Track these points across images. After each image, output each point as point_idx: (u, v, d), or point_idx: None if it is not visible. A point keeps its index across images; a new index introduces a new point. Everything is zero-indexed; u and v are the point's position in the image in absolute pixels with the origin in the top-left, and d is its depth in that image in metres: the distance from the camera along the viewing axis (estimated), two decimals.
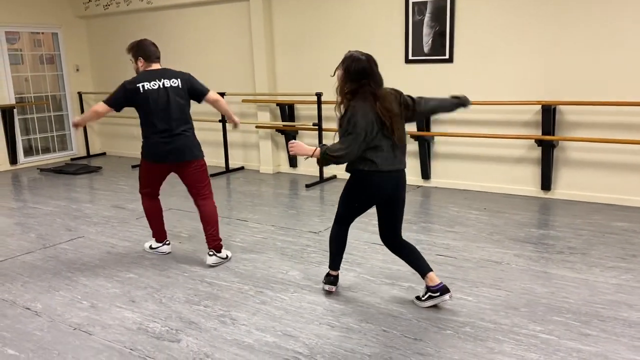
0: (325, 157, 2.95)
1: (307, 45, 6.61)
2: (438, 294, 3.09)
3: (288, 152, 3.19)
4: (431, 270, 3.16)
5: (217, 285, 3.55)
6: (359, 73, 2.99)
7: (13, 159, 7.94)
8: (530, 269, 3.64)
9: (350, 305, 3.19)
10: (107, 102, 3.84)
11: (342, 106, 3.07)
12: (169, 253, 4.16)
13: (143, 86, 3.80)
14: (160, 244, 4.18)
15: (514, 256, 3.88)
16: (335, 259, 3.37)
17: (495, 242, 4.18)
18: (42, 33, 8.42)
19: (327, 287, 3.38)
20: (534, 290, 3.32)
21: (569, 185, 5.29)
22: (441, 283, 3.12)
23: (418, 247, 4.06)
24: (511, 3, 5.27)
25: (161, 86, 3.85)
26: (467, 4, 5.49)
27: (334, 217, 4.89)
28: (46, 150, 8.60)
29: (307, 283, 3.53)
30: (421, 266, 3.18)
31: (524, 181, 5.51)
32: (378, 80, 3.05)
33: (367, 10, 6.09)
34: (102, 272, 3.81)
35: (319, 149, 2.99)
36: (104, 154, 9.05)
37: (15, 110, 7.90)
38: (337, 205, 3.37)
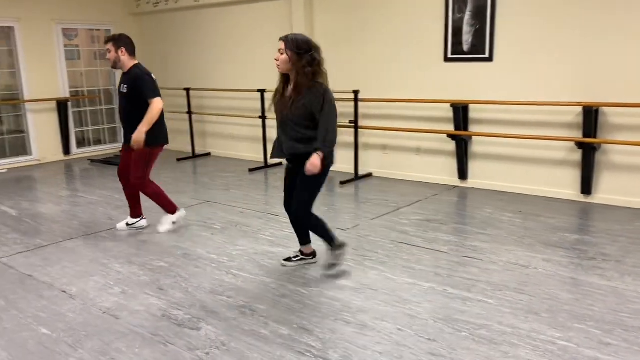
0: (329, 156, 3.29)
1: (346, 43, 6.63)
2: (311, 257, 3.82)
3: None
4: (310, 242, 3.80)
5: (242, 277, 3.65)
6: (306, 43, 3.24)
7: (66, 150, 8.37)
8: (557, 275, 3.55)
9: (369, 302, 3.22)
10: (157, 95, 4.34)
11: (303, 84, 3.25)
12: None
13: (153, 75, 4.44)
14: (173, 215, 4.65)
15: (542, 261, 3.80)
16: (332, 236, 3.64)
17: (525, 246, 4.09)
18: (98, 30, 8.81)
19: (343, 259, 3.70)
20: (558, 296, 3.24)
21: (611, 189, 5.09)
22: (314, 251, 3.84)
23: (445, 248, 4.09)
24: (553, 1, 5.12)
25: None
26: (508, 2, 5.37)
27: (362, 214, 4.96)
28: (97, 142, 9.01)
29: (328, 279, 3.58)
30: (305, 237, 3.79)
31: (563, 184, 5.36)
32: (319, 48, 3.30)
33: (407, 9, 6.05)
34: (135, 260, 3.99)
35: (321, 154, 3.24)
36: None
37: (69, 104, 8.31)
38: (304, 196, 3.47)
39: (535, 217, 4.82)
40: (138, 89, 4.29)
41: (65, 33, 8.36)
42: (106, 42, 4.41)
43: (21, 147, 8.07)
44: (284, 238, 4.42)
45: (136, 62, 4.42)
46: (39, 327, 3.01)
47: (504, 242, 4.20)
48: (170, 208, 4.65)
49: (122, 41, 4.36)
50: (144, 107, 4.28)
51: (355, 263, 3.83)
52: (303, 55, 3.21)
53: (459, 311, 3.09)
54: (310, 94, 3.23)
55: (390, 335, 2.84)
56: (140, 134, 4.24)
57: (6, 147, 7.94)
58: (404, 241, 4.25)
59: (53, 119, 8.21)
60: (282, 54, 3.26)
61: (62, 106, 8.18)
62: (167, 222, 4.64)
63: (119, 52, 4.34)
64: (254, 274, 3.71)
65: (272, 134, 7.56)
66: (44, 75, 8.03)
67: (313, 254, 3.85)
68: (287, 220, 4.87)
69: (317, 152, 3.23)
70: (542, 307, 3.10)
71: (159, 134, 4.41)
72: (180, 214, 4.69)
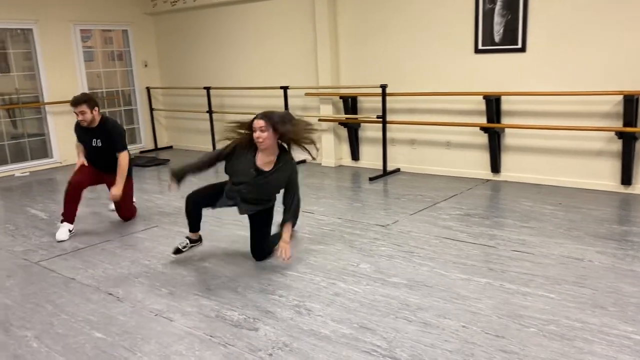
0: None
1: (372, 36, 6.54)
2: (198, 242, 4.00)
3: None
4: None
5: (289, 275, 3.57)
6: (281, 117, 3.52)
7: None
8: (615, 267, 3.45)
9: (426, 299, 3.13)
10: (125, 148, 4.69)
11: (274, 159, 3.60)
12: None
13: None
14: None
15: (596, 253, 3.70)
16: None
17: (574, 239, 3.99)
18: (112, 30, 8.75)
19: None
20: (621, 289, 3.14)
21: None
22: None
23: (492, 242, 4.00)
24: None
25: None
26: None
27: (399, 210, 4.91)
28: None
29: (379, 276, 3.49)
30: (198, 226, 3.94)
31: (602, 175, 5.25)
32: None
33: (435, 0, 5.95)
34: (177, 261, 3.91)
35: (288, 229, 3.65)
36: (170, 147, 9.32)
37: None
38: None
39: (577, 209, 4.72)
40: (112, 143, 4.61)
41: (80, 35, 8.28)
42: (76, 104, 4.44)
43: (42, 150, 8.02)
44: (323, 235, 4.34)
45: (100, 115, 4.65)
46: (92, 331, 2.93)
47: (552, 235, 4.10)
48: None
49: (93, 100, 4.53)
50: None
51: (403, 260, 3.74)
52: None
53: (521, 306, 2.99)
54: (285, 167, 3.59)
55: (456, 332, 2.76)
56: (119, 190, 4.56)
57: (27, 150, 7.89)
58: (449, 236, 4.16)
59: (73, 121, 8.10)
60: (263, 131, 3.41)
61: None
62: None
63: (94, 112, 4.51)
64: (301, 272, 3.62)
65: None
66: (63, 77, 7.97)
67: (200, 239, 4.02)
68: (324, 217, 4.84)
69: (284, 226, 3.66)
70: (607, 301, 3.01)
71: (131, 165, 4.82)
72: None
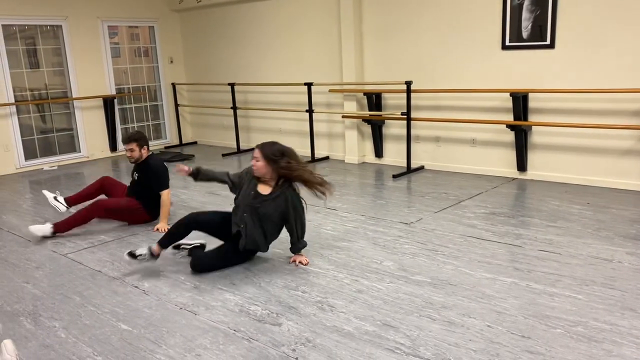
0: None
1: (398, 32, 6.49)
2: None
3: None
4: None
5: (312, 272, 3.57)
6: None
7: (113, 146, 8.43)
8: None
9: (450, 298, 3.10)
10: (167, 186, 4.66)
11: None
12: None
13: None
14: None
15: (625, 254, 3.62)
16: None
17: (603, 239, 3.91)
18: (138, 27, 8.85)
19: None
20: None
21: None
22: None
23: (518, 241, 3.94)
24: None
25: None
26: None
27: (423, 208, 4.87)
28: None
29: (402, 274, 3.47)
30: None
31: (632, 175, 5.13)
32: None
33: None
34: None
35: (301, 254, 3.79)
36: (195, 142, 9.41)
37: (115, 101, 8.38)
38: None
39: (606, 209, 4.62)
40: (153, 180, 4.62)
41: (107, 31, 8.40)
42: (127, 141, 4.57)
43: (70, 145, 8.17)
44: (346, 232, 4.33)
45: (149, 153, 4.71)
46: (118, 323, 2.98)
47: (579, 235, 4.02)
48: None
49: (144, 139, 4.63)
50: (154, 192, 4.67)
51: (427, 258, 3.71)
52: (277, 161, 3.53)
53: (548, 307, 2.94)
54: (281, 196, 3.58)
55: (480, 332, 2.72)
56: (163, 225, 4.52)
57: (56, 144, 8.04)
58: (474, 235, 4.12)
59: (100, 116, 8.28)
60: (257, 160, 3.53)
61: (108, 103, 8.24)
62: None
63: (142, 151, 4.61)
64: (324, 268, 3.62)
65: (320, 127, 7.51)
66: (91, 73, 8.10)
67: (158, 257, 3.65)
68: (347, 214, 4.82)
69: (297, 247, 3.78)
70: (637, 303, 2.94)
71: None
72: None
